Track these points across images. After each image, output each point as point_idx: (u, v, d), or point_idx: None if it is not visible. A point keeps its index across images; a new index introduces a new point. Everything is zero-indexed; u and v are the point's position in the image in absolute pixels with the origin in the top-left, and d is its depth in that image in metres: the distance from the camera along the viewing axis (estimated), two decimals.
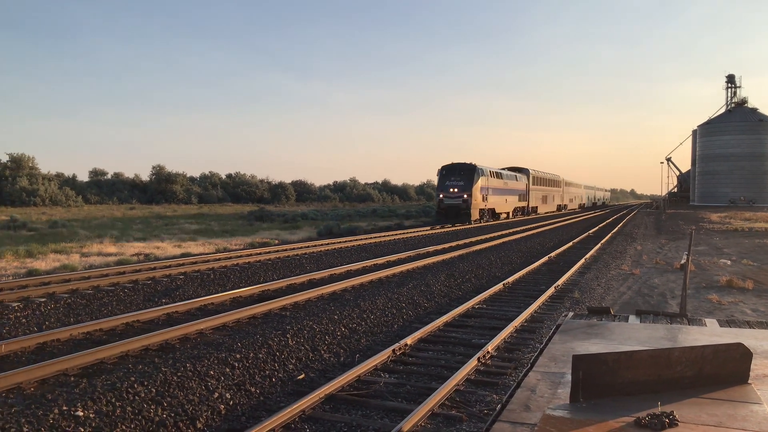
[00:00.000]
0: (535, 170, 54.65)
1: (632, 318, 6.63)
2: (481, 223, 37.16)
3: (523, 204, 50.24)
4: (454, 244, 22.32)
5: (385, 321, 9.60)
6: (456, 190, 35.35)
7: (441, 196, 36.12)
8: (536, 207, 55.14)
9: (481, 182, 36.19)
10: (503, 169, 46.45)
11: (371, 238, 24.33)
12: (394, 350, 7.55)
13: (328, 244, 21.13)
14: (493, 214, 40.41)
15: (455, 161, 37.20)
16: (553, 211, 63.41)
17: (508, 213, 44.55)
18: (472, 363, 7.01)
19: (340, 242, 22.15)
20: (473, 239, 24.59)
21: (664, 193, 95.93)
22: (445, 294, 12.13)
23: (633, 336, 5.62)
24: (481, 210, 36.81)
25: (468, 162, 36.66)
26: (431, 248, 20.42)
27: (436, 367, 7.25)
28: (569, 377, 4.16)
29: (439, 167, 37.28)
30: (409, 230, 29.31)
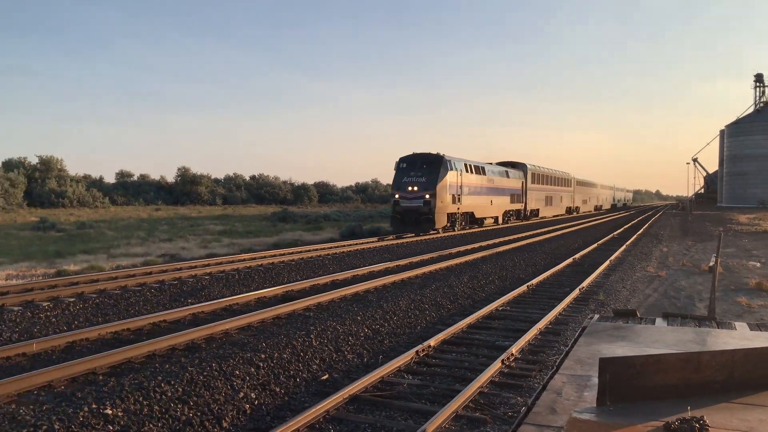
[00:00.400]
0: (535, 165, 45.90)
1: (659, 321, 6.55)
2: (454, 231, 29.35)
3: (518, 206, 41.03)
4: (476, 245, 22.23)
5: (408, 322, 9.60)
6: (415, 188, 26.81)
7: (396, 196, 27.28)
8: (537, 210, 46.16)
9: (450, 178, 27.75)
10: (494, 163, 38.96)
11: (393, 239, 24.34)
12: (417, 352, 7.55)
13: (350, 245, 21.19)
14: (473, 219, 32.11)
15: (417, 151, 28.55)
16: (561, 215, 54.98)
17: (496, 218, 36.04)
18: (496, 365, 6.98)
19: (362, 243, 22.19)
20: (496, 240, 24.47)
21: (690, 194, 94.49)
22: (469, 296, 12.08)
23: (660, 339, 5.55)
24: (451, 214, 28.47)
25: (433, 152, 28.26)
26: (454, 250, 20.36)
27: (459, 369, 7.23)
28: (595, 380, 4.13)
29: (397, 159, 28.69)
30: (431, 232, 29.08)
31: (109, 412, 5.27)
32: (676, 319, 6.66)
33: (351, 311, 9.70)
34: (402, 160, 28.25)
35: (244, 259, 16.46)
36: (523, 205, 42.26)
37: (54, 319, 9.24)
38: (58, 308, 9.75)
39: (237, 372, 6.51)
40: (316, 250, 19.52)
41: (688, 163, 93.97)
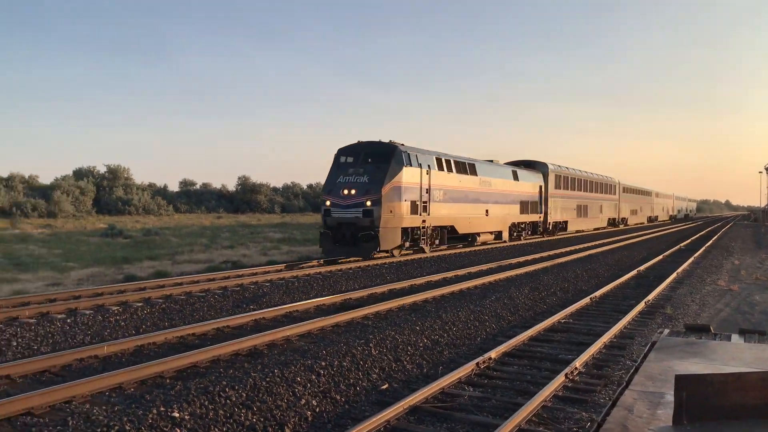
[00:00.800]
0: (561, 166, 36.24)
1: (735, 337, 6.25)
2: (425, 252, 21.08)
3: (535, 218, 31.67)
4: (537, 256, 21.85)
5: (468, 333, 9.50)
6: (353, 191, 18.81)
7: (327, 203, 19.26)
8: (564, 222, 36.40)
9: (408, 177, 19.45)
10: (499, 163, 30.08)
11: (451, 248, 24.15)
12: (477, 363, 7.45)
13: (407, 254, 21.13)
14: (454, 235, 23.49)
15: (363, 140, 20.38)
16: (602, 228, 45.74)
17: (498, 233, 27.32)
18: (560, 379, 6.81)
19: (418, 253, 22.09)
20: (557, 251, 23.99)
21: (763, 204, 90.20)
22: (530, 307, 11.87)
23: (737, 356, 5.29)
24: (411, 230, 20.07)
25: (385, 141, 20.19)
26: (513, 260, 20.06)
27: (521, 382, 7.09)
28: (669, 397, 3.97)
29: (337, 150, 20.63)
30: (489, 242, 28.45)
31: (177, 415, 5.40)
32: (753, 335, 6.35)
33: (410, 321, 9.67)
34: (342, 151, 20.33)
35: (302, 267, 16.66)
36: (543, 215, 32.93)
37: (123, 323, 9.57)
38: (127, 312, 10.09)
39: (298, 379, 6.57)
40: (373, 258, 19.56)
41: (760, 172, 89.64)
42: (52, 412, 5.75)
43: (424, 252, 21.18)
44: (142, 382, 6.70)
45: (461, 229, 23.59)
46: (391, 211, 18.73)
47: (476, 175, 24.90)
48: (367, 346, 7.96)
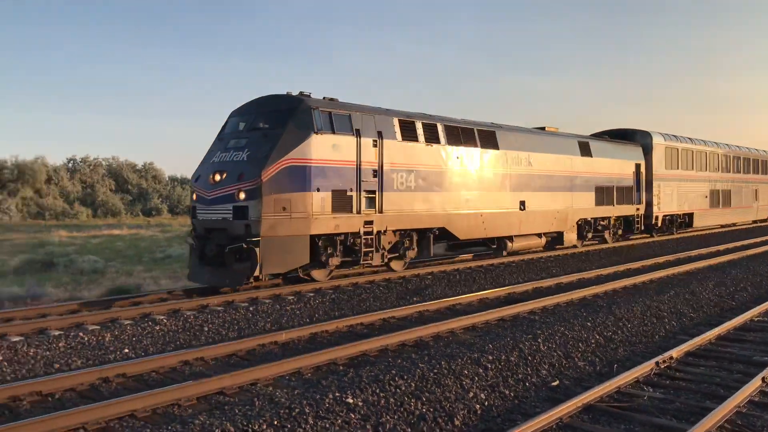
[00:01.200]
0: (675, 136, 24.65)
1: None
2: (393, 272, 13.64)
3: (627, 210, 21.26)
4: (722, 248, 19.95)
5: (644, 331, 8.89)
6: (224, 176, 11.34)
7: (194, 197, 11.96)
8: (685, 215, 25.03)
9: (323, 150, 11.72)
10: (591, 135, 21.78)
11: (625, 240, 22.69)
12: (657, 363, 6.94)
13: (575, 247, 20.25)
14: (451, 240, 15.51)
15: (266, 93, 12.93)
16: (761, 221, 33.49)
17: (552, 235, 18.22)
18: (756, 383, 6.15)
19: (589, 245, 21.09)
20: (747, 242, 21.71)
21: None
22: (715, 303, 10.85)
23: None
24: (339, 237, 12.19)
25: (292, 94, 12.36)
26: (694, 252, 18.49)
27: (708, 384, 6.51)
28: None
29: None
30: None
31: (351, 401, 5.62)
32: None
33: (579, 316, 9.27)
34: (233, 113, 12.98)
35: (463, 260, 16.62)
36: (643, 206, 22.12)
37: (298, 312, 10.18)
38: (301, 302, 10.72)
39: (465, 372, 6.55)
40: (537, 252, 19.01)
41: None
42: (240, 392, 6.27)
43: (394, 271, 13.75)
44: (318, 368, 7.08)
45: (463, 233, 14.86)
46: (284, 208, 11.21)
47: (497, 149, 15.81)
48: (535, 341, 7.76)
